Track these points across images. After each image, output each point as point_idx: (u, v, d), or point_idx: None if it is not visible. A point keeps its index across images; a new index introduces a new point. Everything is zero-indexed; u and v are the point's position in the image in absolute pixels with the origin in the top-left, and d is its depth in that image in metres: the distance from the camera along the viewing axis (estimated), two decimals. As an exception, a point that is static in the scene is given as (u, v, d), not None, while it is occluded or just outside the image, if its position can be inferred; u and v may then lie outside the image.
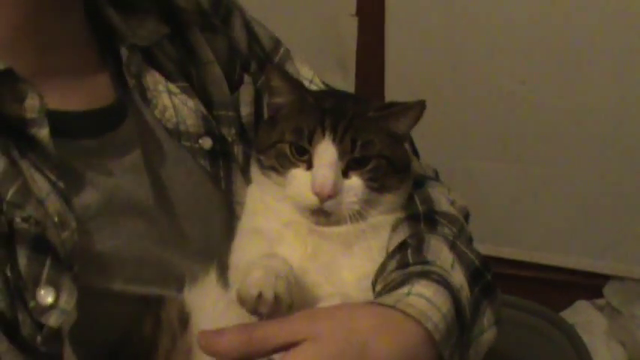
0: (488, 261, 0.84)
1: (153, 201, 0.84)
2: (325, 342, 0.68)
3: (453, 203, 0.92)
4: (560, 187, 1.98)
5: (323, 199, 0.82)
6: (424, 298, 0.73)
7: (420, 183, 0.93)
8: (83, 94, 0.82)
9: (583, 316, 1.90)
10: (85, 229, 0.74)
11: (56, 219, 0.69)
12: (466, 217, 0.94)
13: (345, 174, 0.83)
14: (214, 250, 0.88)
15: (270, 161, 0.86)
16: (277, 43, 1.01)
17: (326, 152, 0.82)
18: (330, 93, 0.95)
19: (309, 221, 0.84)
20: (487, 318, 0.81)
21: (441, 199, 0.91)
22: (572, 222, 1.99)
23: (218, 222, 0.91)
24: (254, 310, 0.73)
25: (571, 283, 2.00)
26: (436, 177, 1.01)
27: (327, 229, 0.85)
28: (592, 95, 1.89)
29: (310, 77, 1.00)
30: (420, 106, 0.87)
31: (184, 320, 0.80)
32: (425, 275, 0.76)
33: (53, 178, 0.71)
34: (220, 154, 0.91)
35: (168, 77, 0.89)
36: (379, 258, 0.84)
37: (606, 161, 1.92)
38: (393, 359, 0.70)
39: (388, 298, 0.74)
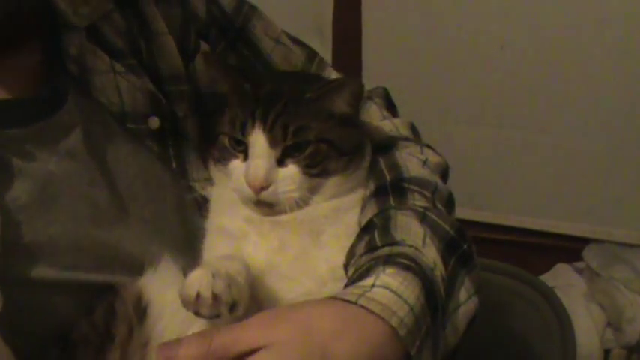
0: (463, 228, 0.81)
1: (95, 185, 0.81)
2: (283, 349, 0.66)
3: (425, 162, 0.89)
4: (539, 150, 1.98)
5: (256, 190, 0.80)
6: (389, 290, 0.70)
7: (387, 147, 0.90)
8: (16, 81, 0.79)
9: (562, 279, 1.91)
10: (15, 220, 0.72)
11: None
12: (443, 173, 0.92)
13: (282, 162, 0.81)
14: (168, 231, 0.86)
15: (217, 153, 0.85)
16: (240, 2, 0.97)
17: (257, 143, 0.81)
18: (270, 76, 0.92)
19: (257, 213, 0.83)
20: (465, 289, 0.78)
21: (411, 161, 0.88)
22: (552, 185, 2.00)
23: (170, 202, 0.88)
24: (196, 312, 0.70)
25: (550, 247, 2.01)
26: (413, 133, 0.97)
27: (289, 218, 0.82)
28: (571, 59, 1.88)
29: (276, 36, 0.97)
30: (355, 83, 0.84)
31: (142, 310, 0.79)
32: (392, 261, 0.73)
33: None
34: (170, 132, 0.88)
35: (115, 55, 0.85)
36: (349, 244, 0.82)
37: (585, 124, 1.92)
38: (360, 359, 0.68)
39: (351, 292, 0.71)
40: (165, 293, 0.79)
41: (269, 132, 0.80)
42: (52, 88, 0.81)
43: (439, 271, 0.75)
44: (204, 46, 0.94)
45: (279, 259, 0.82)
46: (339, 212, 0.84)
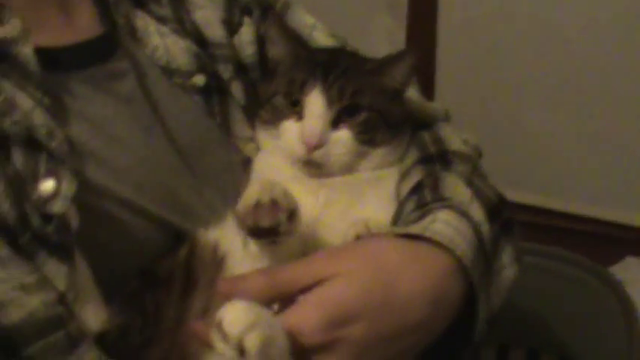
0: (505, 198, 0.84)
1: (151, 132, 0.84)
2: (351, 280, 0.67)
3: (465, 142, 0.91)
4: (614, 140, 1.93)
5: (310, 149, 0.83)
6: (450, 226, 0.72)
7: (429, 124, 0.92)
8: (69, 28, 0.82)
9: (632, 272, 1.86)
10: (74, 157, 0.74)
11: (43, 130, 0.69)
12: (479, 155, 0.93)
13: (335, 125, 0.84)
14: (218, 186, 0.88)
15: (268, 115, 0.88)
16: None
17: (315, 103, 0.83)
18: (326, 47, 0.96)
19: (304, 173, 0.85)
20: (507, 255, 0.80)
21: (453, 137, 0.90)
22: (626, 176, 1.94)
23: (220, 159, 0.90)
24: (255, 227, 0.71)
25: (622, 239, 1.95)
26: (447, 119, 0.99)
27: (334, 180, 0.85)
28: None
29: (312, 24, 0.99)
30: (409, 56, 0.88)
31: (219, 260, 0.80)
32: (446, 206, 0.75)
33: (38, 95, 0.71)
34: (215, 90, 0.91)
35: (159, 20, 0.89)
36: (390, 207, 0.84)
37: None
38: (422, 293, 0.69)
39: (414, 227, 0.73)
40: (239, 247, 0.80)
41: (327, 92, 0.83)
42: (104, 35, 0.84)
43: (486, 229, 0.77)
44: (247, 21, 0.97)
45: (324, 213, 0.83)
46: (380, 179, 0.86)
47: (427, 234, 0.71)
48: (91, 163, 0.75)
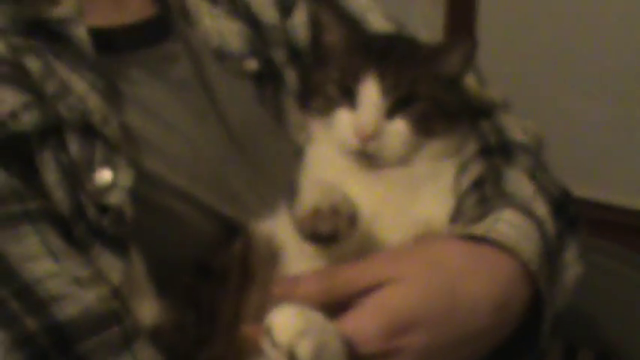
0: (569, 193, 0.80)
1: (206, 119, 0.82)
2: (410, 283, 0.64)
3: (526, 130, 0.87)
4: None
5: (364, 140, 0.78)
6: (515, 227, 0.69)
7: (488, 112, 0.88)
8: (121, 9, 0.80)
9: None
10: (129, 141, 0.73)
11: (98, 116, 0.68)
12: (540, 144, 0.89)
13: (390, 116, 0.79)
14: (269, 177, 0.85)
15: (319, 104, 0.84)
16: None
17: (370, 92, 0.79)
18: (380, 34, 0.92)
19: (357, 164, 0.81)
20: (571, 252, 0.76)
21: (513, 127, 0.87)
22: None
23: (270, 147, 0.88)
24: (314, 232, 0.68)
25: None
26: (506, 106, 0.95)
27: (390, 173, 0.81)
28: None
29: (367, 6, 0.96)
30: (468, 43, 0.83)
31: (274, 254, 0.78)
32: (509, 204, 0.72)
33: (92, 76, 0.69)
34: (267, 76, 0.89)
35: (211, 1, 0.87)
36: (448, 201, 0.80)
37: None
38: (486, 300, 0.66)
39: (477, 228, 0.69)
40: (294, 242, 0.77)
41: (382, 81, 0.79)
42: (157, 17, 0.82)
43: (550, 226, 0.73)
44: (300, 3, 0.94)
45: (383, 209, 0.80)
46: (436, 173, 0.82)
47: (491, 236, 0.68)
48: (145, 150, 0.74)
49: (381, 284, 0.64)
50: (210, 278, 0.76)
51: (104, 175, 0.66)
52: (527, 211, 0.72)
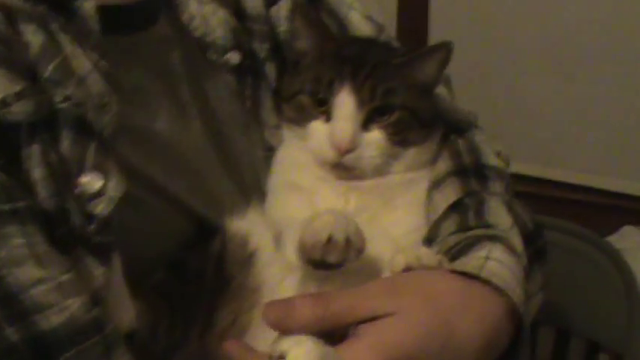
0: (541, 224, 0.81)
1: (188, 110, 0.80)
2: (409, 319, 0.64)
3: (499, 154, 0.88)
4: (613, 108, 1.92)
5: (341, 153, 0.78)
6: (505, 267, 0.70)
7: (463, 129, 0.88)
8: None
9: (630, 241, 1.85)
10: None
11: (97, 100, 0.64)
12: (508, 167, 0.90)
13: (366, 127, 0.79)
14: (239, 173, 0.84)
15: (290, 113, 0.83)
16: None
17: (345, 103, 0.78)
18: (354, 39, 0.90)
19: (332, 176, 0.81)
20: (536, 283, 0.78)
21: (487, 149, 0.87)
22: (624, 145, 1.93)
23: (242, 144, 0.86)
24: (321, 261, 0.67)
25: (619, 207, 1.95)
26: (475, 124, 0.95)
27: (365, 183, 0.81)
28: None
29: (350, 3, 0.94)
30: (445, 49, 0.82)
31: (250, 254, 0.77)
32: (496, 240, 0.72)
33: (95, 56, 0.65)
34: (249, 70, 0.87)
35: None
36: (420, 212, 0.81)
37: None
38: (477, 339, 0.67)
39: (468, 263, 0.70)
40: (269, 244, 0.78)
41: (357, 92, 0.78)
42: (144, 0, 0.79)
43: (524, 260, 0.74)
44: None
45: (355, 218, 0.78)
46: (412, 183, 0.83)
47: (484, 275, 0.68)
48: (127, 140, 0.71)
49: (378, 317, 0.63)
50: (185, 278, 0.74)
51: (94, 181, 0.63)
52: (511, 247, 0.73)
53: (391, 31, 1.95)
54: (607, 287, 1.30)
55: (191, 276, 0.74)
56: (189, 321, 0.72)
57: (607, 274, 1.31)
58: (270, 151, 0.87)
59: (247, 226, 0.79)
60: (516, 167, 2.03)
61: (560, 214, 1.44)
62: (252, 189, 0.85)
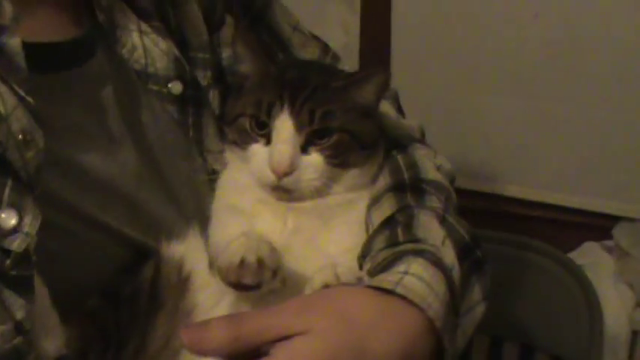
0: (477, 235, 0.81)
1: (122, 143, 0.80)
2: (320, 337, 0.64)
3: (439, 168, 0.89)
4: (571, 125, 1.92)
5: (280, 176, 0.79)
6: (423, 282, 0.70)
7: (404, 146, 0.89)
8: (45, 25, 0.77)
9: (591, 257, 1.87)
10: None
11: (20, 137, 0.64)
12: (452, 181, 0.91)
13: (305, 149, 0.80)
14: (181, 200, 0.85)
15: (233, 136, 0.84)
16: None
17: (283, 126, 0.80)
18: (295, 62, 0.92)
19: (273, 197, 0.82)
20: (476, 293, 0.78)
21: (427, 164, 0.88)
22: (583, 161, 1.94)
23: (183, 172, 0.87)
24: (237, 282, 0.69)
25: (580, 224, 1.96)
26: (422, 138, 0.97)
27: (304, 204, 0.82)
28: (607, 30, 1.81)
29: (294, 24, 0.96)
30: (384, 75, 0.84)
31: (184, 279, 0.77)
32: (420, 254, 0.73)
33: (21, 92, 0.65)
34: (191, 100, 0.87)
35: (142, 15, 0.84)
36: (360, 231, 0.82)
37: (620, 100, 1.85)
38: (396, 353, 0.66)
39: (386, 280, 0.70)
40: (204, 267, 0.78)
41: (296, 116, 0.79)
42: (82, 36, 0.80)
43: (456, 272, 0.75)
44: (228, 19, 0.93)
45: (293, 240, 0.81)
46: (351, 203, 0.84)
47: (399, 291, 0.68)
48: (57, 174, 0.71)
49: (290, 335, 0.63)
50: (118, 303, 0.74)
51: (9, 219, 0.63)
52: (436, 261, 0.73)
53: (354, 51, 1.98)
54: (569, 302, 1.32)
55: (124, 300, 0.74)
56: (122, 345, 0.72)
57: (569, 289, 1.33)
58: (214, 174, 0.88)
59: (184, 249, 0.79)
60: (476, 185, 2.06)
61: (522, 231, 1.46)
62: (193, 213, 0.85)
